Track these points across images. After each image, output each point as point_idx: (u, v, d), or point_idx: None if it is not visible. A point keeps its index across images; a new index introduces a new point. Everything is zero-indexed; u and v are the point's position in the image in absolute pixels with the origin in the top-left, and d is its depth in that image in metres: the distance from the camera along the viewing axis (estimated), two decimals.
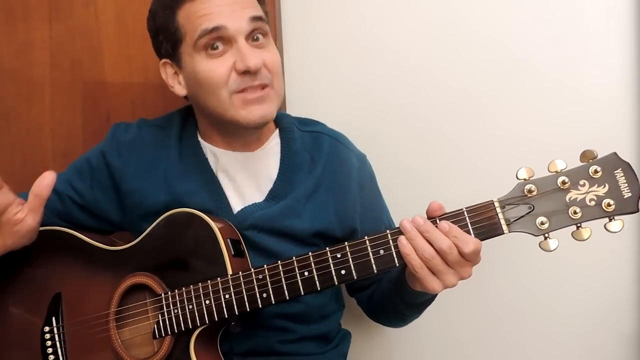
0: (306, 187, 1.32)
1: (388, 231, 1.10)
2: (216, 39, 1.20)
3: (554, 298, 1.58)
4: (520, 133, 1.54)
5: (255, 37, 1.23)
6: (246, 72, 1.20)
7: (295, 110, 1.63)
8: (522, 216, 1.04)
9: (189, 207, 1.25)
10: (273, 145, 1.35)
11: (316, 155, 1.34)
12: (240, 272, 1.17)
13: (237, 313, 1.17)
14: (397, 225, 1.10)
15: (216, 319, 1.18)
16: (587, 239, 1.03)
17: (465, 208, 1.07)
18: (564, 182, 1.02)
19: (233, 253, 1.20)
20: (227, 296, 1.17)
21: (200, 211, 1.24)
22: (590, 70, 1.51)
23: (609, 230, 1.01)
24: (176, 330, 1.20)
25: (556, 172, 1.03)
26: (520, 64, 1.54)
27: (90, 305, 1.29)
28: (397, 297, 1.24)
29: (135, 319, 1.27)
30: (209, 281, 1.18)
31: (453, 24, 1.57)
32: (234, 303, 1.17)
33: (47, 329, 1.32)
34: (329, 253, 1.12)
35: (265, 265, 1.16)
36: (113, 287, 1.27)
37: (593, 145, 1.04)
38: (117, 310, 1.27)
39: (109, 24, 1.64)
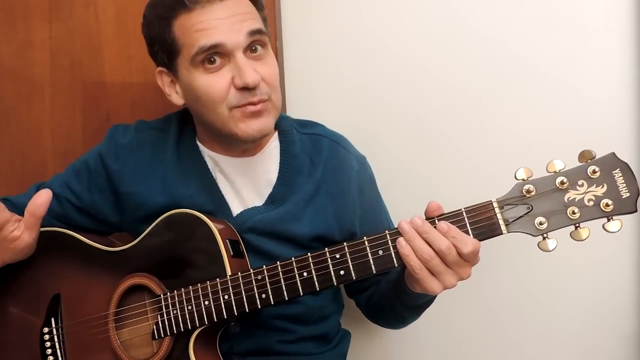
0: (306, 191, 1.31)
1: (387, 231, 1.10)
2: (214, 54, 1.19)
3: (554, 298, 1.58)
4: (519, 133, 1.54)
5: (253, 48, 1.22)
6: (244, 88, 1.19)
7: (295, 110, 1.63)
8: (521, 216, 1.04)
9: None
10: (272, 148, 1.35)
11: (315, 158, 1.34)
12: (239, 273, 1.17)
13: (236, 314, 1.17)
14: (396, 227, 1.10)
15: (215, 320, 1.18)
16: (585, 239, 1.03)
17: (464, 208, 1.07)
18: (562, 182, 1.02)
19: (232, 254, 1.20)
20: (226, 297, 1.17)
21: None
22: (590, 70, 1.51)
23: (607, 231, 1.01)
24: (175, 331, 1.20)
25: (555, 172, 1.03)
26: (520, 64, 1.54)
27: (89, 306, 1.29)
28: (396, 299, 1.24)
29: (134, 320, 1.27)
30: (208, 282, 1.18)
31: (453, 24, 1.57)
32: (233, 304, 1.16)
33: (46, 329, 1.32)
34: (327, 254, 1.12)
35: (264, 266, 1.16)
36: (112, 287, 1.27)
37: (592, 145, 1.04)
38: (117, 311, 1.27)
39: (109, 24, 1.64)
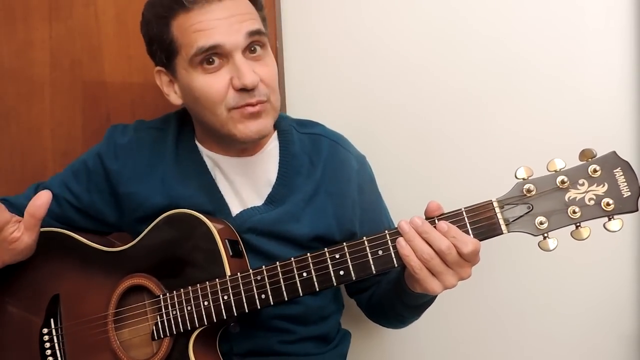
0: (305, 191, 1.31)
1: (387, 231, 1.09)
2: (212, 55, 1.19)
3: (554, 298, 1.58)
4: (520, 132, 1.54)
5: (252, 49, 1.21)
6: (243, 89, 1.19)
7: (295, 110, 1.63)
8: (521, 216, 1.04)
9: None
10: (272, 148, 1.34)
11: (315, 158, 1.34)
12: (238, 273, 1.17)
13: (235, 314, 1.16)
14: (396, 227, 1.09)
15: (215, 321, 1.18)
16: (586, 238, 1.02)
17: (464, 208, 1.07)
18: (563, 182, 1.02)
19: (231, 254, 1.20)
20: (225, 297, 1.17)
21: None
22: (590, 70, 1.51)
23: (608, 230, 1.01)
24: (175, 332, 1.20)
25: (555, 171, 1.03)
26: (520, 64, 1.54)
27: (88, 306, 1.29)
28: (397, 299, 1.24)
29: (134, 320, 1.26)
30: (207, 282, 1.18)
31: (453, 24, 1.57)
32: (233, 304, 1.16)
33: (45, 330, 1.31)
34: (327, 254, 1.12)
35: (263, 266, 1.15)
36: (111, 288, 1.27)
37: (593, 144, 1.04)
38: (116, 312, 1.27)
39: (109, 24, 1.64)
